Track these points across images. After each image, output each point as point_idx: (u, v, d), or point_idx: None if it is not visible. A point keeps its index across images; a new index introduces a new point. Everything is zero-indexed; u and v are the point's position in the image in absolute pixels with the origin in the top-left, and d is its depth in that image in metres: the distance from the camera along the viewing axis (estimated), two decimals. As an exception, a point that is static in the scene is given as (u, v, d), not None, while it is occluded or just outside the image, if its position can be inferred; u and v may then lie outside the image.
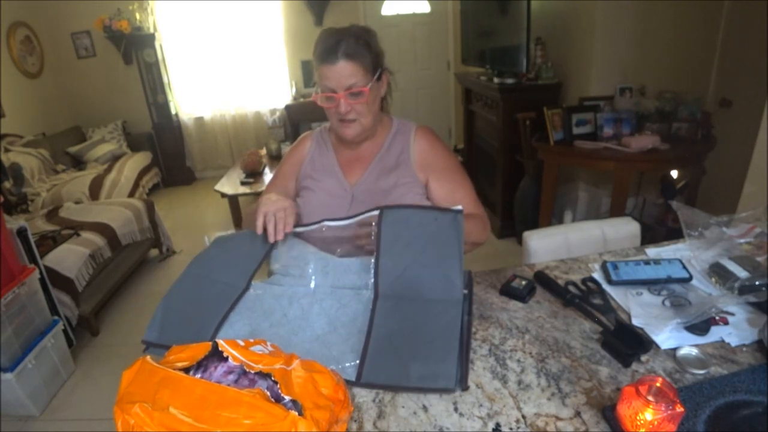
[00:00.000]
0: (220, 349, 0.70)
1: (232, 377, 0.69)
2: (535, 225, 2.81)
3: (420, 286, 0.88)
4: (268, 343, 0.76)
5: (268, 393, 0.63)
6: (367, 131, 1.14)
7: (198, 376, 0.69)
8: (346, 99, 1.05)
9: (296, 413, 0.58)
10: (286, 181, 1.24)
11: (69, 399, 2.07)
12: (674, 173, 2.53)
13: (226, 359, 0.70)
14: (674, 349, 0.80)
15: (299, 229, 1.03)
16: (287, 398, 0.62)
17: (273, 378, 0.65)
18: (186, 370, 0.69)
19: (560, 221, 3.06)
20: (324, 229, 1.02)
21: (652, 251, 1.14)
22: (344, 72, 1.03)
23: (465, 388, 0.75)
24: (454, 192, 1.15)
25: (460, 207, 0.92)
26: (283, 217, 0.99)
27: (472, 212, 1.13)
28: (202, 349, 0.72)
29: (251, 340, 0.75)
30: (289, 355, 0.72)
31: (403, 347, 0.80)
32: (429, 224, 0.91)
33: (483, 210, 1.17)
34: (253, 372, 0.68)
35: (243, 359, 0.69)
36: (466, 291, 1.00)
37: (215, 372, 0.70)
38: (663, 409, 0.59)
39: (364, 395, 0.76)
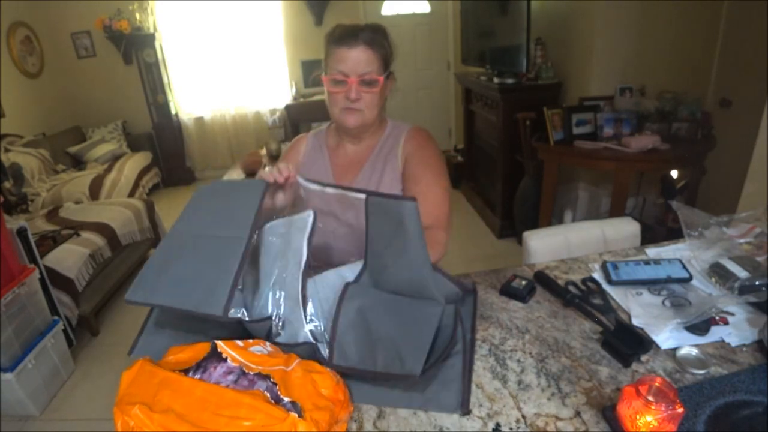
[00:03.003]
0: (219, 350, 0.70)
1: (231, 378, 0.69)
2: (535, 225, 2.81)
3: (402, 283, 0.83)
4: (267, 344, 0.76)
5: (268, 394, 0.63)
6: (367, 125, 1.11)
7: (197, 376, 0.69)
8: (358, 85, 1.02)
9: (296, 415, 0.58)
10: None
11: (69, 399, 2.07)
12: (674, 173, 2.52)
13: (225, 360, 0.70)
14: (674, 349, 0.80)
15: (303, 181, 0.94)
16: (286, 399, 0.62)
17: (272, 379, 0.65)
18: (185, 371, 0.69)
19: (560, 221, 3.05)
20: (327, 190, 0.92)
21: (652, 251, 1.14)
22: (362, 57, 1.01)
23: (466, 412, 0.71)
24: (419, 195, 0.98)
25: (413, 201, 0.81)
26: (288, 169, 0.92)
27: (427, 224, 0.94)
28: (201, 349, 0.72)
29: (250, 341, 0.75)
30: (288, 355, 0.72)
31: (375, 325, 0.76)
32: (395, 215, 0.81)
33: (444, 223, 1.05)
34: (252, 373, 0.68)
35: (242, 360, 0.69)
36: (472, 292, 0.98)
37: (214, 372, 0.69)
38: (663, 409, 0.59)
39: (363, 395, 0.76)
